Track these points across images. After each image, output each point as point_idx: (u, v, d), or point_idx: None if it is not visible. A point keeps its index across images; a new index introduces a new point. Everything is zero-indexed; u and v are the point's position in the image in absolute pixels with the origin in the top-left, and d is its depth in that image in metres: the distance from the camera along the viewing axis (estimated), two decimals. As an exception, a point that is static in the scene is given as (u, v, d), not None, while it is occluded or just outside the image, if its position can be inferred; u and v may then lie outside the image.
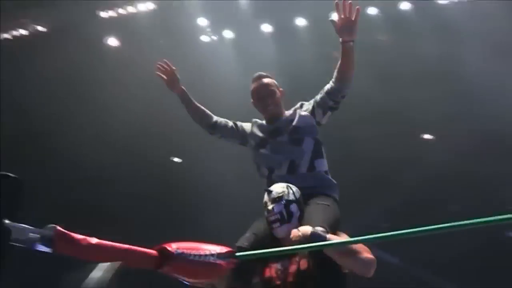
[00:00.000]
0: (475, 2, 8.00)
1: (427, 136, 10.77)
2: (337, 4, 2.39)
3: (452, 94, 8.56)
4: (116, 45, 8.66)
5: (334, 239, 2.09)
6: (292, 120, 2.72)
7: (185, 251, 1.49)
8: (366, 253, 2.14)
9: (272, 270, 2.25)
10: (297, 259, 2.25)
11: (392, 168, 9.20)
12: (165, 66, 2.94)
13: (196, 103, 2.98)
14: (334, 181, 2.65)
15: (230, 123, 2.95)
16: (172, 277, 1.51)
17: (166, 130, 8.70)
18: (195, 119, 2.99)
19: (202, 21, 8.96)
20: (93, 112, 8.37)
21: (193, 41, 8.90)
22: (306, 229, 2.06)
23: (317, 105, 2.71)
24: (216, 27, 9.06)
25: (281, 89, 2.87)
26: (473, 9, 7.91)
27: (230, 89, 8.13)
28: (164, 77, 2.95)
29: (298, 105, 2.84)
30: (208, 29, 8.97)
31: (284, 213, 2.30)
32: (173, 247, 1.49)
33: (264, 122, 2.86)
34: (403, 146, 9.07)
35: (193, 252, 1.49)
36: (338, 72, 2.57)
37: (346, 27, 2.41)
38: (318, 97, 2.73)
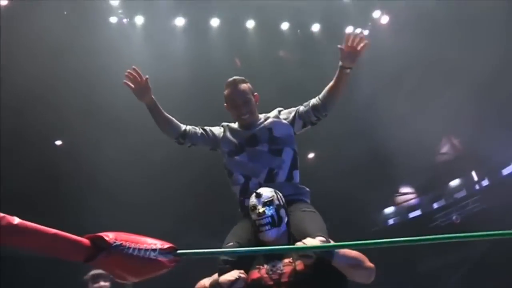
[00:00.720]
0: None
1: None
2: (348, 35, 2.50)
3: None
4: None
5: (341, 253, 2.12)
6: (271, 129, 2.65)
7: (124, 243, 1.28)
8: (368, 262, 2.19)
9: (262, 271, 2.21)
10: (291, 260, 2.21)
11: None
12: (135, 74, 2.64)
13: (165, 113, 2.72)
14: (307, 188, 2.67)
15: (199, 130, 2.77)
16: (104, 271, 1.28)
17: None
18: (163, 129, 2.73)
19: (115, 2, 8.61)
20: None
21: (102, 20, 8.39)
22: (313, 242, 2.05)
23: (299, 116, 2.68)
24: (129, 11, 8.68)
25: (255, 93, 2.77)
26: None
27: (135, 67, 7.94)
28: (132, 86, 2.65)
29: (276, 111, 2.76)
30: (120, 11, 8.53)
31: (275, 216, 2.28)
32: (110, 237, 1.27)
33: (237, 127, 2.75)
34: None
35: (133, 245, 1.29)
36: (328, 92, 2.59)
37: (351, 55, 2.48)
38: (301, 108, 2.69)
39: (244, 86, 2.72)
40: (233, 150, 2.66)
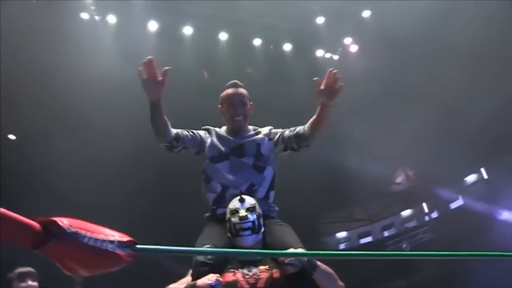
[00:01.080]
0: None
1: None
2: (330, 72, 2.43)
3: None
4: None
5: (322, 267, 2.19)
6: (260, 145, 2.62)
7: (79, 230, 1.16)
8: (339, 281, 2.25)
9: (237, 275, 2.18)
10: (267, 267, 2.22)
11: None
12: (153, 66, 2.31)
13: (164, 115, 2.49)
14: (276, 207, 2.64)
15: (189, 132, 2.63)
16: (51, 260, 1.16)
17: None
18: (161, 131, 2.50)
19: (88, -1, 8.47)
20: None
21: (73, 14, 8.18)
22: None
23: (282, 139, 2.64)
24: (102, 9, 8.51)
25: (251, 102, 2.72)
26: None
27: (101, 67, 7.90)
28: (145, 76, 2.32)
29: (268, 129, 2.72)
30: (93, 8, 8.34)
31: (256, 223, 2.28)
32: (64, 223, 1.15)
33: (225, 133, 2.67)
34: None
35: (89, 234, 1.18)
36: (312, 125, 2.54)
37: (328, 93, 2.42)
38: (286, 133, 2.66)
39: (244, 90, 2.70)
40: (216, 156, 2.57)
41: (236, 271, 2.19)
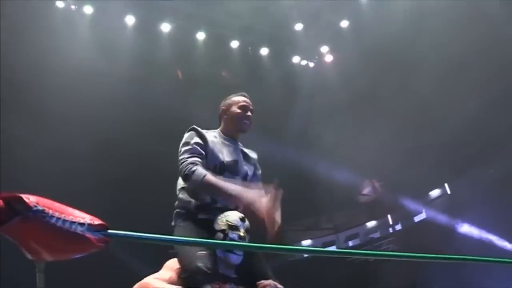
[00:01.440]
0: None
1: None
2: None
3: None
4: None
5: None
6: (248, 170, 2.61)
7: (46, 209, 1.06)
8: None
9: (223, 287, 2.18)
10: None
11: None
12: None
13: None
14: None
15: (202, 160, 2.42)
16: (13, 242, 1.05)
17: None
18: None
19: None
20: None
21: (49, 3, 7.95)
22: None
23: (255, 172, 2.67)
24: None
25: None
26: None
27: (74, 56, 7.78)
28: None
29: (256, 156, 2.72)
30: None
31: None
32: (31, 200, 1.05)
33: (222, 139, 2.55)
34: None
35: (57, 214, 1.08)
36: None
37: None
38: (258, 171, 2.69)
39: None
40: (211, 169, 2.39)
41: (222, 285, 2.16)
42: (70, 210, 1.13)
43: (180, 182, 2.47)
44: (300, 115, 9.45)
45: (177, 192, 2.48)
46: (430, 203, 12.58)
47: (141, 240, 1.30)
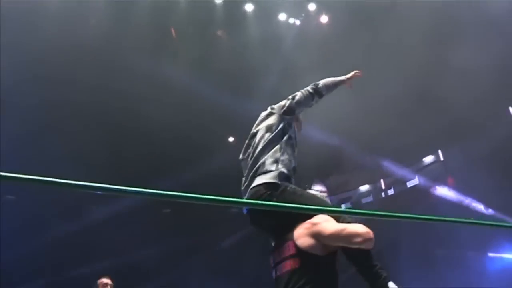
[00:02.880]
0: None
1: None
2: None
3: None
4: None
5: None
6: None
7: None
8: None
9: None
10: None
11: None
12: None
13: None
14: None
15: None
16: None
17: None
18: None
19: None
20: None
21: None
22: None
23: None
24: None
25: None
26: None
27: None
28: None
29: None
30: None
31: None
32: None
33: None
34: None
35: None
36: None
37: None
38: None
39: None
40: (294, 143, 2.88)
41: None
42: None
43: (277, 148, 2.68)
44: (275, 73, 9.19)
45: (278, 154, 2.68)
46: (422, 169, 12.59)
47: (36, 183, 1.22)
